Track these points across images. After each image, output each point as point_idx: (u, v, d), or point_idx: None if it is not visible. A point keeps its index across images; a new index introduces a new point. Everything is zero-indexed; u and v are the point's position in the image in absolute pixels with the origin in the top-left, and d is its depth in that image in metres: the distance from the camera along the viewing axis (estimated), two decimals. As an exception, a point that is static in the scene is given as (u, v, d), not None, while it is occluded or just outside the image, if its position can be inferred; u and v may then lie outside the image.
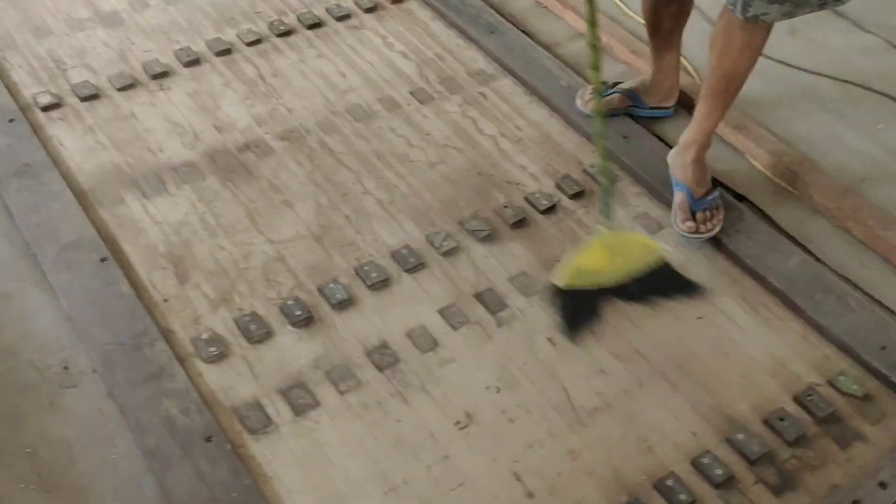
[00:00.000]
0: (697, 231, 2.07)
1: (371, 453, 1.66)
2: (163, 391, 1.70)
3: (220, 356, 1.79)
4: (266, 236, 2.05)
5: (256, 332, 1.83)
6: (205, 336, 1.82)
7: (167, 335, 1.81)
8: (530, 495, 1.62)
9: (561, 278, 1.85)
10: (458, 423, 1.72)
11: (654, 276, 1.90)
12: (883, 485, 1.65)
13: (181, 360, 1.77)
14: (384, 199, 2.16)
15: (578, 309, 1.89)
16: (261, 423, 1.69)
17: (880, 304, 2.01)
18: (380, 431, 1.70)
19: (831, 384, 1.84)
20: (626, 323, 1.92)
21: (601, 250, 1.88)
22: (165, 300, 1.89)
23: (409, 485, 1.62)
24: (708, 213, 2.09)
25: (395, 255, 2.02)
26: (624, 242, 1.95)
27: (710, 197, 2.10)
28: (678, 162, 2.14)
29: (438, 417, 1.73)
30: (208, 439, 1.63)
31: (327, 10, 2.69)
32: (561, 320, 1.88)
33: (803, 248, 2.12)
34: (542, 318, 1.92)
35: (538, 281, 1.99)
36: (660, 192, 2.20)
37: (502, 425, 1.73)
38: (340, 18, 2.67)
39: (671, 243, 2.09)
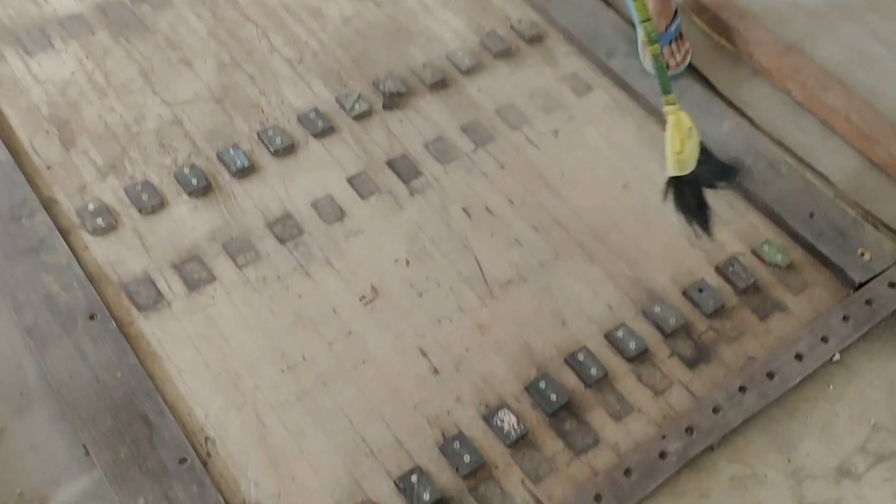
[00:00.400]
0: (667, 67, 1.95)
1: (269, 330, 1.57)
2: (42, 266, 1.57)
3: (108, 228, 1.66)
4: (161, 97, 1.88)
5: (149, 201, 1.70)
6: (91, 206, 1.68)
7: (49, 205, 1.67)
8: (435, 371, 1.56)
9: (673, 169, 1.71)
10: (363, 297, 1.63)
11: (706, 159, 1.75)
12: (799, 357, 1.61)
13: (64, 233, 1.64)
14: (292, 57, 1.99)
15: (696, 199, 1.75)
16: (151, 299, 1.59)
17: (812, 168, 1.93)
18: (279, 307, 1.60)
19: (755, 254, 1.77)
20: (545, 191, 1.82)
21: (679, 132, 1.70)
22: (48, 167, 1.74)
23: (309, 362, 1.54)
24: (674, 46, 2.00)
25: (303, 119, 1.87)
26: (682, 120, 1.73)
27: (673, 27, 2.01)
28: None
29: (342, 292, 1.64)
30: (92, 317, 1.52)
31: None
32: (690, 215, 1.74)
33: (738, 110, 2.01)
34: (457, 186, 1.81)
35: (456, 147, 1.87)
36: (591, 50, 2.06)
37: (410, 299, 1.64)
38: None
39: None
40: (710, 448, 1.51)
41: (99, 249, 1.64)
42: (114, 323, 1.52)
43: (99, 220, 1.66)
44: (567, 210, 1.79)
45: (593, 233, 1.77)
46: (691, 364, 1.61)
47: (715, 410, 1.53)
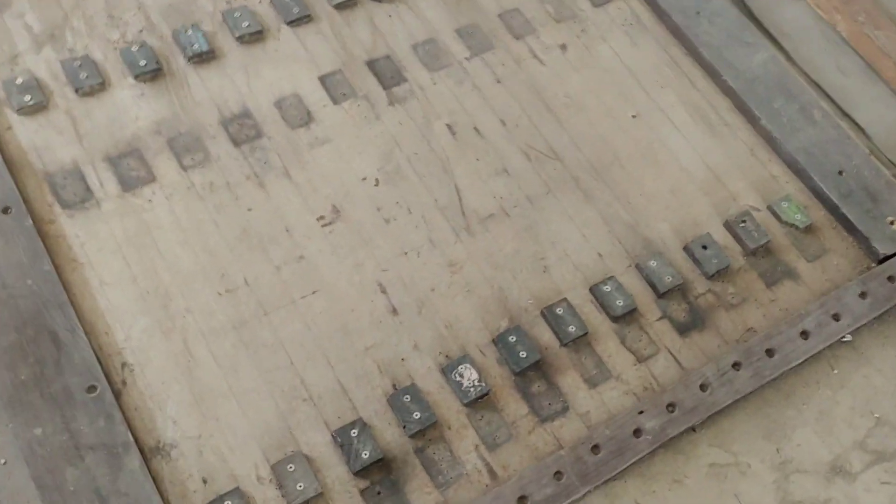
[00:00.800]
0: None
1: (210, 245, 1.38)
2: (-45, 146, 1.37)
3: (38, 107, 1.45)
4: (117, -40, 1.63)
5: (88, 81, 1.48)
6: (21, 80, 1.46)
7: (-28, 75, 1.46)
8: (394, 311, 1.37)
9: None
10: (321, 218, 1.43)
11: None
12: (805, 334, 1.42)
13: (-14, 109, 1.43)
14: (273, -74, 1.73)
15: None
16: (78, 195, 1.39)
17: (849, 118, 1.70)
18: (225, 220, 1.41)
19: (772, 210, 1.56)
20: (544, 114, 1.59)
21: None
22: (-24, 30, 1.51)
23: (251, 286, 1.36)
24: None
25: (276, 2, 1.62)
26: None
27: None
28: None
29: (299, 209, 1.43)
30: (5, 210, 1.33)
31: None
32: None
33: (774, 41, 1.77)
34: (445, 98, 1.58)
35: (448, 53, 1.63)
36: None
37: (375, 225, 1.44)
38: None
39: None
40: (692, 429, 1.34)
41: (24, 131, 1.43)
42: (31, 219, 1.33)
43: (27, 97, 1.44)
44: (566, 138, 1.58)
45: (592, 167, 1.55)
46: (683, 330, 1.43)
47: (703, 387, 1.35)
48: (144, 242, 1.36)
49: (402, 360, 1.33)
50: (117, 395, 1.23)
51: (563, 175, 1.54)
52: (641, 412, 1.32)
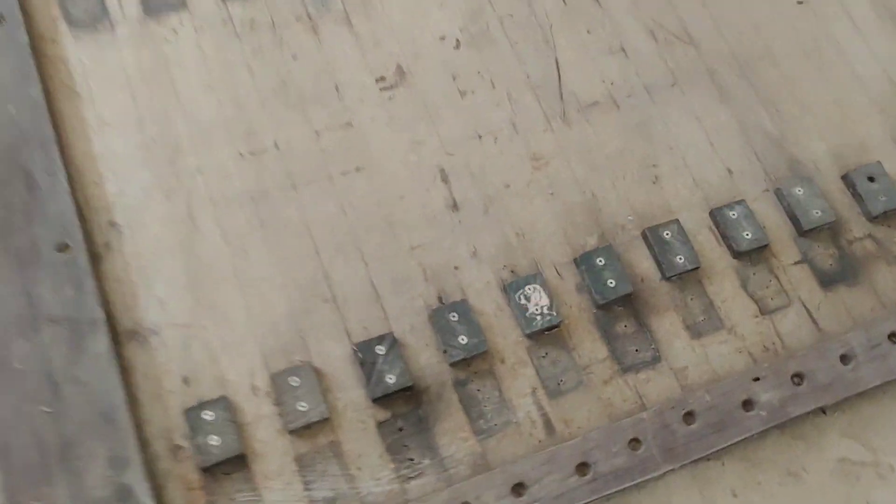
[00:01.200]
0: None
1: (239, 95, 1.11)
2: (-49, -65, 1.12)
3: None
4: None
5: None
6: None
7: None
8: (454, 206, 1.08)
9: None
10: (381, 79, 1.14)
11: None
12: None
13: None
14: None
15: None
16: (90, 13, 1.13)
17: None
18: (262, 66, 1.13)
19: (967, 144, 1.19)
20: (683, -15, 1.24)
21: None
22: None
23: (282, 152, 1.08)
24: None
25: None
26: None
27: None
28: None
29: (355, 65, 1.14)
30: (-2, 20, 1.08)
31: None
32: None
33: None
34: (558, -49, 1.25)
35: None
36: None
37: (447, 97, 1.14)
38: None
39: None
40: (822, 411, 1.02)
41: (39, -69, 1.17)
42: (26, 35, 1.07)
43: None
44: (707, 21, 1.23)
45: (735, 60, 1.21)
46: (827, 281, 1.09)
47: (844, 359, 1.02)
48: (160, 80, 1.10)
49: (456, 268, 1.04)
50: (95, 259, 0.98)
51: (697, 65, 1.19)
52: (757, 379, 1.00)
